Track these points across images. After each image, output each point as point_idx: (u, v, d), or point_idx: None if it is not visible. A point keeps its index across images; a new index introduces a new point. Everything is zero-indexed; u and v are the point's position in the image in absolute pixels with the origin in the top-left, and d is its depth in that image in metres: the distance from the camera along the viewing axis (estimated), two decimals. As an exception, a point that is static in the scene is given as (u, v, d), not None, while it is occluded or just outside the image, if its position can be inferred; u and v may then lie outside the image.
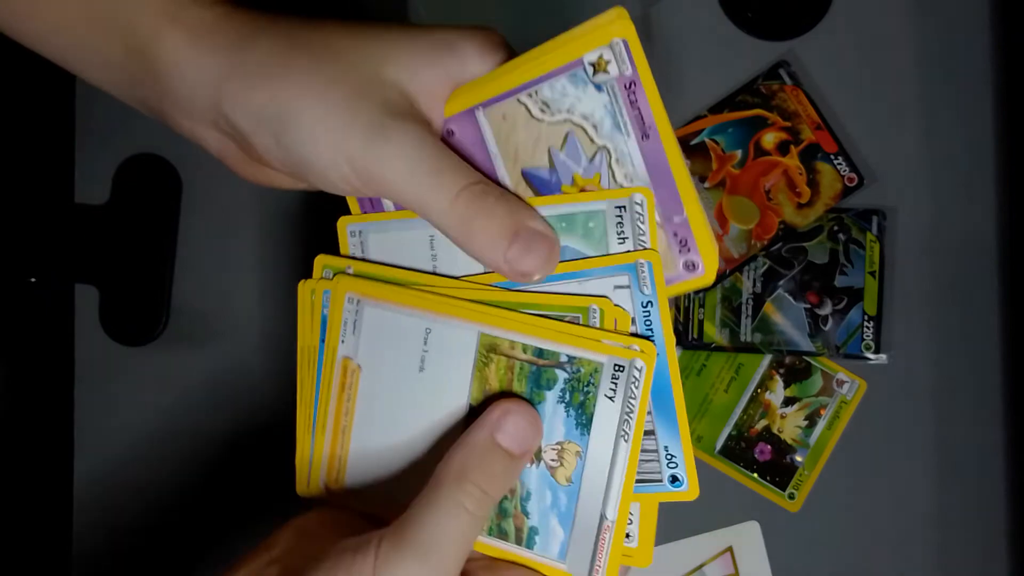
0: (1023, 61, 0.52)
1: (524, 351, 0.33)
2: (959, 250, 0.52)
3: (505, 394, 0.33)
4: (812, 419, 0.52)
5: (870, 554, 0.52)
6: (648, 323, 0.33)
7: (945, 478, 0.52)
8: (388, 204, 0.35)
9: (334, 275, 0.35)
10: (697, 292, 0.53)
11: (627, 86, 0.33)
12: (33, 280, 0.56)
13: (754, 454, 0.52)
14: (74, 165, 0.57)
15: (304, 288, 0.36)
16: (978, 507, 0.52)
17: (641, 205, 0.33)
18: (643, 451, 0.33)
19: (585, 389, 0.32)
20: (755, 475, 0.52)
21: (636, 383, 0.32)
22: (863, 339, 0.51)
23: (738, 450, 0.53)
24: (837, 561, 0.52)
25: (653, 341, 0.33)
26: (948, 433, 0.52)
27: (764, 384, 0.53)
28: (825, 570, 0.52)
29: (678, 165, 0.33)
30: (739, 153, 0.52)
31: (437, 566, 0.29)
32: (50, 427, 0.57)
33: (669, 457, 0.33)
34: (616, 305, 0.33)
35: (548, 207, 0.33)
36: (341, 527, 0.34)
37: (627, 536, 0.34)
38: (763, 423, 0.53)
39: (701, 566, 0.52)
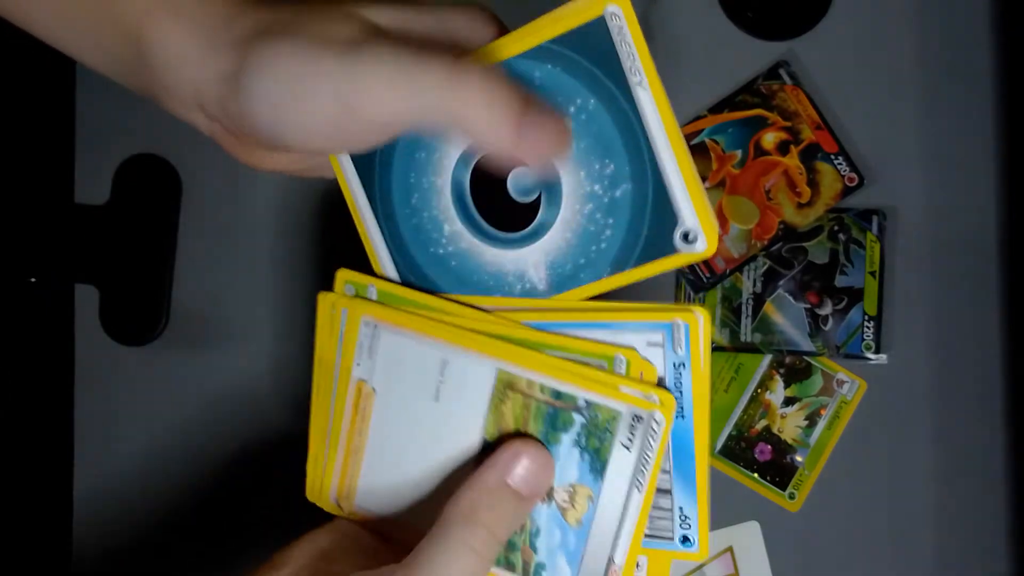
0: (1023, 61, 0.52)
1: (542, 391, 0.32)
2: (959, 250, 0.52)
3: (519, 433, 0.33)
4: (812, 419, 0.52)
5: (870, 554, 0.52)
6: (679, 385, 0.32)
7: (945, 478, 0.52)
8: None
9: (355, 291, 0.35)
10: (698, 287, 0.53)
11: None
12: (33, 280, 0.56)
13: (754, 454, 0.52)
14: (74, 165, 0.57)
15: (324, 300, 0.35)
16: (978, 507, 0.52)
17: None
18: (657, 508, 0.33)
19: (601, 435, 0.32)
20: (755, 475, 0.52)
21: (654, 435, 0.31)
22: (863, 339, 0.51)
23: (738, 450, 0.53)
24: (837, 561, 0.52)
25: (681, 403, 0.32)
26: (948, 433, 0.52)
27: (764, 384, 0.53)
28: (825, 570, 0.52)
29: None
30: (739, 153, 0.52)
31: None
32: (50, 427, 0.57)
33: (683, 518, 0.33)
34: (644, 359, 0.32)
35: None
36: (357, 550, 0.34)
37: (637, 567, 0.34)
38: (763, 423, 0.52)
39: (701, 566, 0.52)
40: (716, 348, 0.52)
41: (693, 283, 0.52)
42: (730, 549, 0.52)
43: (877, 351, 0.51)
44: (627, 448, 0.32)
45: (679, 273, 0.53)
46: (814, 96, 0.52)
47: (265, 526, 0.54)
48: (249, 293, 0.55)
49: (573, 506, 0.33)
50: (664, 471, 0.33)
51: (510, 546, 0.33)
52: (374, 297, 0.35)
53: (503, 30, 0.33)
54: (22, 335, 0.58)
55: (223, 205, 0.55)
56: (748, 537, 0.52)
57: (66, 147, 0.57)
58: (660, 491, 0.33)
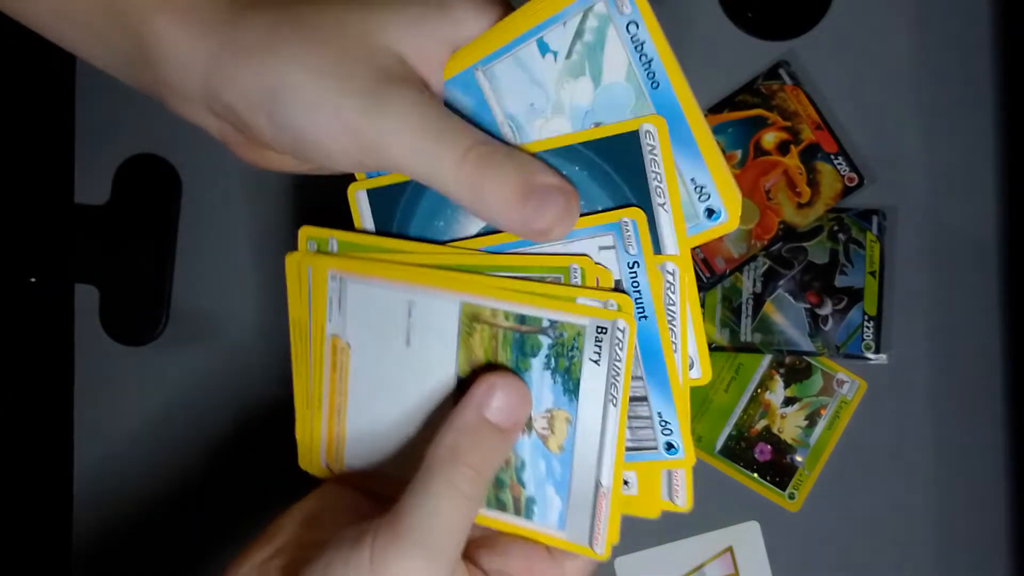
0: (1023, 61, 0.52)
1: (506, 318, 0.32)
2: (959, 250, 0.52)
3: (491, 366, 0.33)
4: (812, 419, 0.52)
5: (870, 554, 0.52)
6: (636, 284, 0.32)
7: (945, 478, 0.52)
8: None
9: (317, 247, 0.35)
10: (697, 287, 0.53)
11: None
12: (33, 280, 0.56)
13: (754, 454, 0.52)
14: (74, 165, 0.57)
15: (291, 261, 0.35)
16: (978, 507, 0.52)
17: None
18: (636, 418, 0.33)
19: (570, 354, 0.31)
20: (755, 475, 0.52)
21: (620, 344, 0.31)
22: (863, 339, 0.51)
23: (738, 450, 0.53)
24: (837, 561, 0.52)
25: (642, 302, 0.31)
26: (948, 433, 0.52)
27: (764, 384, 0.53)
28: (825, 570, 0.52)
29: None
30: (739, 153, 0.52)
31: (437, 553, 0.28)
32: (50, 427, 0.57)
33: (663, 424, 0.32)
34: (597, 264, 0.31)
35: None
36: (343, 510, 0.34)
37: (625, 483, 0.33)
38: (763, 423, 0.52)
39: (701, 566, 0.52)
40: (716, 348, 0.52)
41: (693, 283, 0.52)
42: (730, 549, 0.52)
43: (877, 351, 0.51)
44: (596, 363, 0.31)
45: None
46: (814, 96, 0.52)
47: (267, 525, 0.54)
48: (249, 293, 0.55)
49: (553, 432, 0.32)
50: (637, 377, 0.32)
51: (498, 484, 0.33)
52: (335, 249, 0.35)
53: (508, 9, 0.33)
54: (22, 335, 0.58)
55: (223, 205, 0.55)
56: (748, 537, 0.52)
57: (66, 147, 0.57)
58: (636, 399, 0.33)
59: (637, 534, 0.52)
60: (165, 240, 0.55)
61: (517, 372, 0.32)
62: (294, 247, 0.36)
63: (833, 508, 0.52)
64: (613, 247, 0.32)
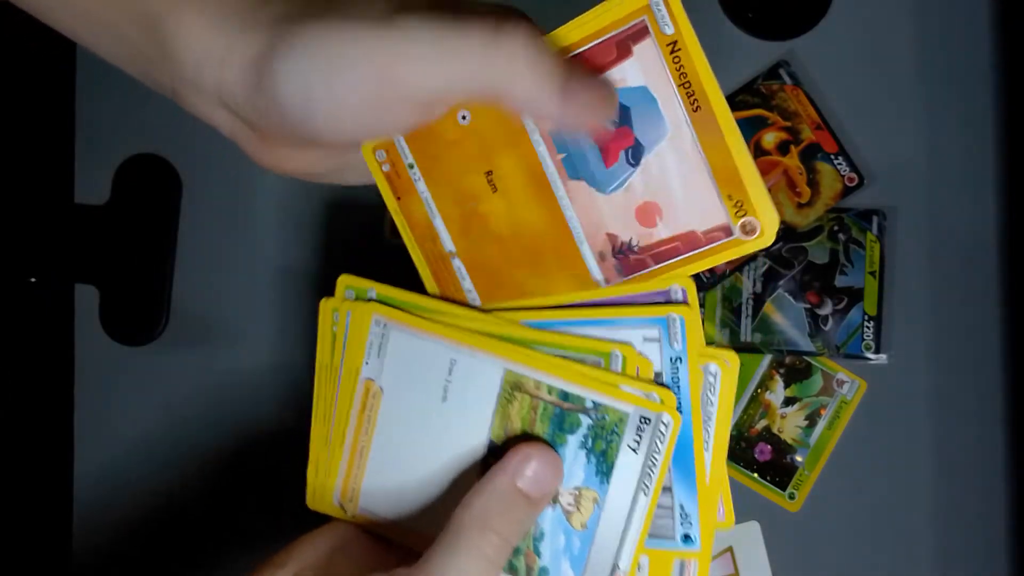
0: (1023, 61, 0.52)
1: (549, 392, 0.32)
2: (959, 250, 0.52)
3: (526, 436, 0.33)
4: (812, 419, 0.52)
5: (870, 554, 0.52)
6: (676, 379, 0.32)
7: (945, 478, 0.52)
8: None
9: (355, 296, 0.35)
10: (698, 287, 0.53)
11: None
12: (33, 280, 0.56)
13: (754, 454, 0.52)
14: (74, 165, 0.57)
15: (325, 307, 0.35)
16: (978, 507, 0.52)
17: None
18: (658, 507, 0.33)
19: (608, 438, 0.32)
20: (755, 475, 0.52)
21: (661, 437, 0.31)
22: (863, 339, 0.51)
23: (738, 450, 0.53)
24: (837, 561, 0.52)
25: (679, 398, 0.32)
26: (948, 433, 0.52)
27: (764, 384, 0.53)
28: (825, 570, 0.52)
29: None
30: (739, 153, 0.52)
31: None
32: (50, 427, 0.57)
33: (684, 516, 0.33)
34: (640, 354, 0.32)
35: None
36: (359, 551, 0.34)
37: (639, 568, 0.34)
38: (763, 423, 0.52)
39: (701, 566, 0.52)
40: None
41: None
42: (730, 549, 0.52)
43: (877, 351, 0.51)
44: (634, 451, 0.32)
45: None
46: (814, 96, 0.52)
47: (265, 526, 0.54)
48: (249, 293, 0.55)
49: (578, 509, 0.33)
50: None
51: (514, 550, 0.33)
52: (373, 299, 0.35)
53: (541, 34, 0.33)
54: (22, 335, 0.58)
55: (223, 205, 0.55)
56: (748, 537, 0.52)
57: (66, 147, 0.57)
58: (662, 489, 0.33)
59: (637, 534, 0.52)
60: (165, 240, 0.55)
61: (552, 445, 0.33)
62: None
63: (833, 508, 0.52)
64: (658, 340, 0.32)
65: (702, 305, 0.52)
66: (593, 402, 0.32)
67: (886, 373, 0.52)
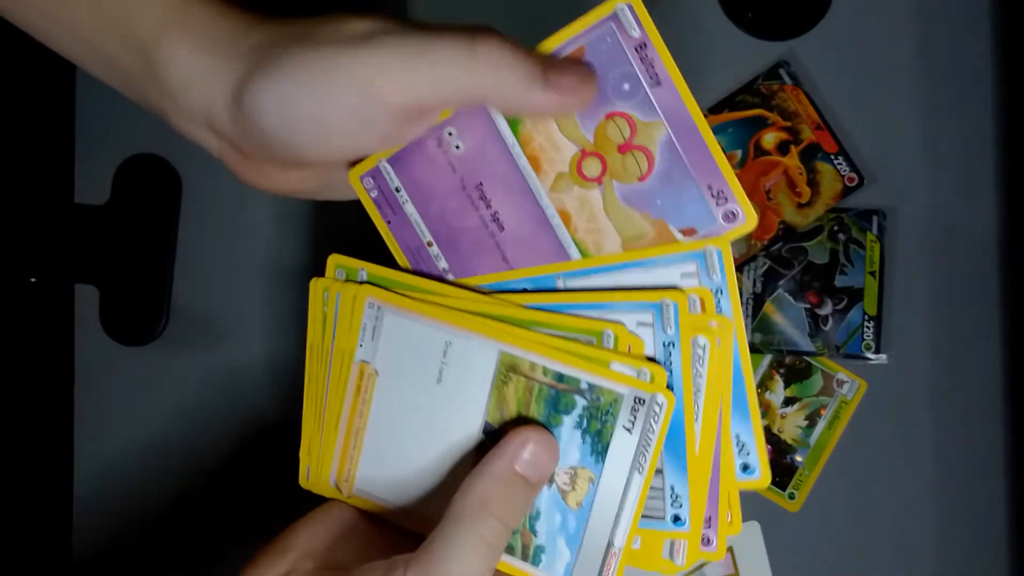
0: (1023, 61, 0.52)
1: (544, 374, 0.33)
2: (959, 250, 0.52)
3: (522, 418, 0.33)
4: (812, 419, 0.52)
5: (870, 554, 0.52)
6: (668, 365, 0.32)
7: (945, 478, 0.52)
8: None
9: (346, 276, 0.35)
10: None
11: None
12: (33, 280, 0.56)
13: (754, 454, 0.53)
14: (74, 165, 0.57)
15: (316, 286, 0.36)
16: (978, 507, 0.52)
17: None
18: (649, 489, 0.33)
19: (603, 418, 0.32)
20: (755, 475, 0.52)
21: (656, 417, 0.32)
22: (863, 339, 0.51)
23: (738, 450, 0.53)
24: (837, 561, 0.52)
25: (671, 382, 0.32)
26: (948, 433, 0.52)
27: (764, 384, 0.53)
28: (825, 570, 0.52)
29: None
30: (739, 153, 0.52)
31: None
32: (50, 427, 0.57)
33: (674, 497, 0.33)
34: (632, 333, 0.32)
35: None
36: (353, 537, 0.34)
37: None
38: (763, 423, 0.52)
39: (701, 566, 0.52)
40: (716, 348, 0.52)
41: (693, 283, 0.52)
42: (730, 549, 0.52)
43: (877, 351, 0.51)
44: (628, 431, 0.32)
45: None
46: (814, 96, 0.52)
47: (266, 525, 0.54)
48: (249, 293, 0.55)
49: (574, 488, 0.33)
50: None
51: None
52: (364, 280, 0.35)
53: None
54: (22, 335, 0.58)
55: (223, 205, 0.55)
56: (748, 537, 0.52)
57: (66, 147, 0.57)
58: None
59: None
60: (165, 240, 0.55)
61: (547, 426, 0.33)
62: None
63: (833, 508, 0.52)
64: (651, 325, 0.32)
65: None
66: (588, 383, 0.32)
67: (886, 373, 0.52)
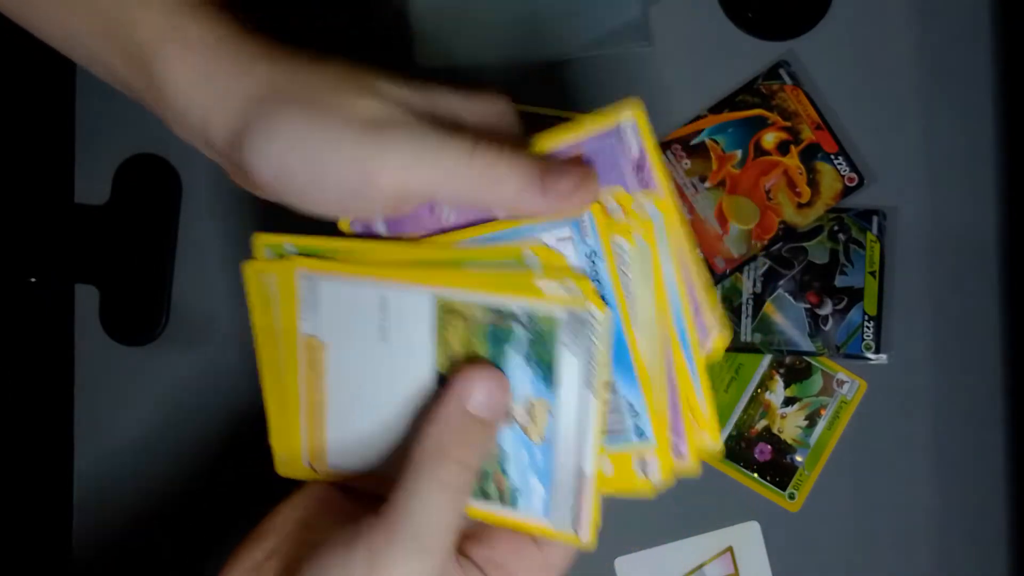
0: (1023, 61, 0.52)
1: (480, 310, 0.32)
2: (959, 250, 0.52)
3: (469, 359, 0.33)
4: (812, 419, 0.52)
5: (870, 554, 0.52)
6: (595, 276, 0.32)
7: (945, 478, 0.52)
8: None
9: (274, 253, 0.35)
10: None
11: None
12: (33, 280, 0.56)
13: (754, 454, 0.52)
14: (74, 165, 0.57)
15: (251, 269, 0.35)
16: (978, 507, 0.52)
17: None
18: (609, 407, 0.33)
19: (545, 343, 0.31)
20: (755, 475, 0.52)
21: (594, 331, 0.30)
22: (863, 339, 0.51)
23: (738, 450, 0.53)
24: (837, 561, 0.52)
25: (603, 293, 0.31)
26: (948, 433, 0.52)
27: (764, 384, 0.53)
28: (825, 570, 0.52)
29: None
30: (739, 153, 0.52)
31: (431, 550, 0.29)
32: (50, 427, 0.57)
33: (632, 410, 0.32)
34: (552, 249, 0.31)
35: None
36: (332, 509, 0.34)
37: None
38: (763, 423, 0.52)
39: (701, 566, 0.52)
40: (716, 348, 0.52)
41: (693, 283, 0.52)
42: (730, 549, 0.52)
43: (877, 351, 0.51)
44: (570, 351, 0.31)
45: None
46: (814, 96, 0.52)
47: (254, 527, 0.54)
48: (249, 293, 0.55)
49: (534, 422, 0.32)
50: None
51: (483, 475, 0.33)
52: (293, 253, 0.35)
53: (519, 118, 0.34)
54: (22, 335, 0.58)
55: (223, 205, 0.55)
56: (748, 537, 0.52)
57: (66, 147, 0.57)
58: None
59: (637, 534, 0.52)
60: (165, 240, 0.55)
61: (496, 363, 0.32)
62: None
63: (833, 508, 0.52)
64: (570, 238, 0.32)
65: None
66: (523, 311, 0.31)
67: (886, 373, 0.52)
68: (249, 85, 0.31)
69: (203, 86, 0.31)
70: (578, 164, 0.31)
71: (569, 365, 0.31)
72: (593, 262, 0.32)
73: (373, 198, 0.31)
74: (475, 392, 0.31)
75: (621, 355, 0.32)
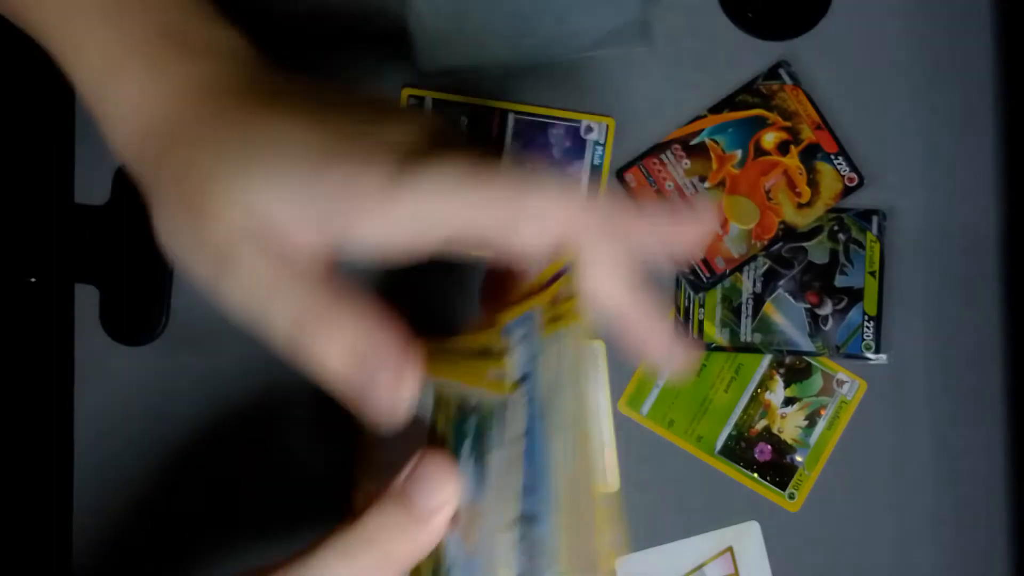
0: (1023, 61, 0.52)
1: (454, 399, 0.29)
2: (959, 250, 0.52)
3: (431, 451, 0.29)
4: (812, 419, 0.52)
5: (870, 554, 0.52)
6: (533, 373, 0.26)
7: (945, 478, 0.52)
8: None
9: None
10: (697, 288, 0.53)
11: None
12: (33, 280, 0.56)
13: (754, 454, 0.53)
14: (74, 165, 0.57)
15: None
16: (978, 507, 0.52)
17: None
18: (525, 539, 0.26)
19: (486, 437, 0.27)
20: (755, 475, 0.52)
21: (503, 424, 0.25)
22: (863, 339, 0.51)
23: (738, 450, 0.53)
24: (837, 561, 0.52)
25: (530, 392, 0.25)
26: (948, 433, 0.52)
27: (764, 384, 0.53)
28: (825, 570, 0.52)
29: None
30: (739, 153, 0.52)
31: None
32: (50, 427, 0.57)
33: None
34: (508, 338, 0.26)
35: None
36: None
37: None
38: (763, 423, 0.53)
39: (701, 566, 0.52)
40: (716, 348, 0.52)
41: (693, 284, 0.52)
42: (730, 549, 0.52)
43: (877, 351, 0.51)
44: (500, 448, 0.26)
45: (679, 274, 0.53)
46: (814, 96, 0.52)
47: (267, 525, 0.54)
48: (249, 293, 0.55)
49: (469, 529, 0.28)
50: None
51: None
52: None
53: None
54: (22, 335, 0.58)
55: (223, 205, 0.55)
56: (748, 537, 0.52)
57: (66, 147, 0.56)
58: (524, 518, 0.26)
59: (637, 534, 0.52)
60: (165, 240, 0.55)
61: (457, 458, 0.28)
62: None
63: (833, 508, 0.52)
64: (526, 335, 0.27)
65: (702, 305, 0.52)
66: (476, 400, 0.27)
67: (886, 373, 0.52)
68: (173, 163, 0.32)
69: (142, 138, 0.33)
70: (399, 356, 0.27)
71: (497, 464, 0.26)
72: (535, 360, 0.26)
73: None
74: (411, 484, 0.28)
75: (540, 481, 0.26)
